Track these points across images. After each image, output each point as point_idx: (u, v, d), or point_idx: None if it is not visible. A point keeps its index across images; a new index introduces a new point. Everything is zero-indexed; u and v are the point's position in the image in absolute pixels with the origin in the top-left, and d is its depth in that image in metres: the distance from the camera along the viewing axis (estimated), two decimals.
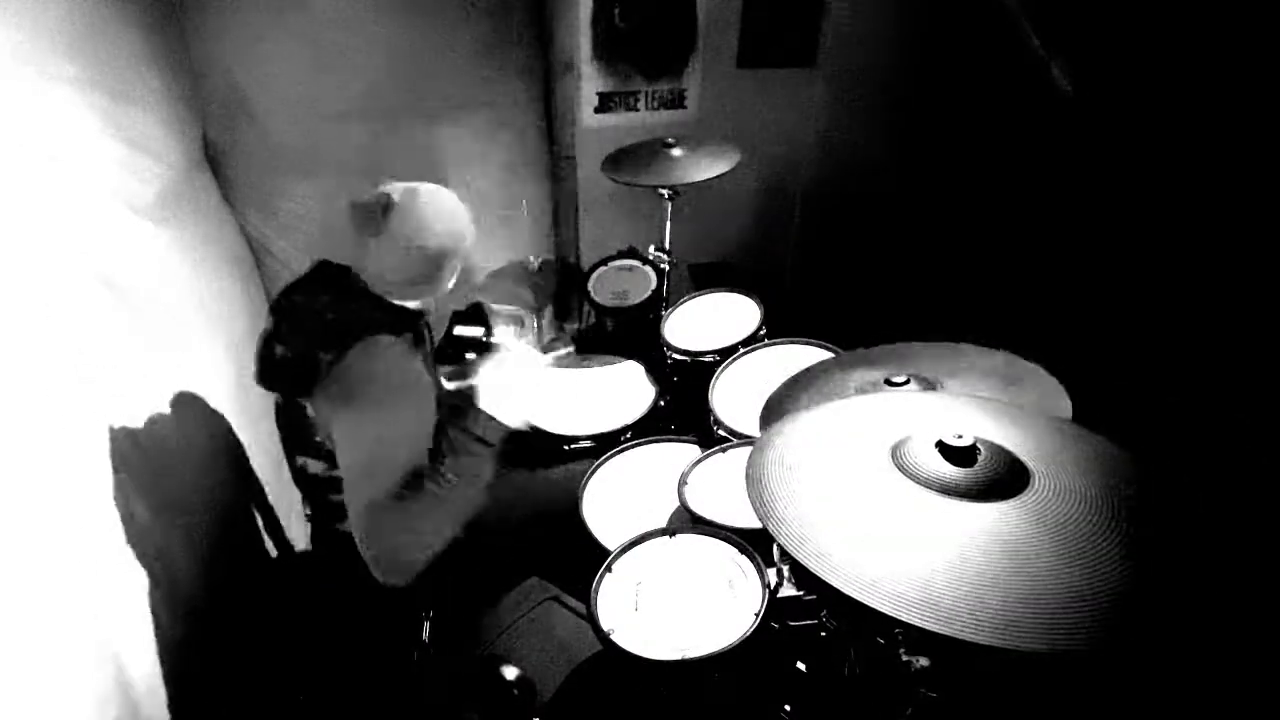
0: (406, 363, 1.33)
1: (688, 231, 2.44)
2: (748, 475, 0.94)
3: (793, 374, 1.45)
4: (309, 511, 1.53)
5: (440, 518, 1.25)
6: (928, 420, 0.98)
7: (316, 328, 1.31)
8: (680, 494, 1.49)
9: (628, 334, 2.36)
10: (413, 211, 1.32)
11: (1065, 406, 1.18)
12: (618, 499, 1.59)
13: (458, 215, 1.40)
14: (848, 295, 3.04)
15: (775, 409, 1.37)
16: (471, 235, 1.42)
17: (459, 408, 1.34)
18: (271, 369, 1.37)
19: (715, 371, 1.87)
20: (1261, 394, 1.64)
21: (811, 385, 1.40)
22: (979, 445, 0.89)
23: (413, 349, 1.37)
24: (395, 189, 1.35)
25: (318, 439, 1.34)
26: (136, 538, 1.31)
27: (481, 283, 2.47)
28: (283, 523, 1.91)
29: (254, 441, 1.87)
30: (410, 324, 1.41)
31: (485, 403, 1.33)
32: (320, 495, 1.44)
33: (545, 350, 2.45)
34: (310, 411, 1.32)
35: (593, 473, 1.65)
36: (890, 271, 2.99)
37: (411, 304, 1.43)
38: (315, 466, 1.39)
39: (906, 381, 1.26)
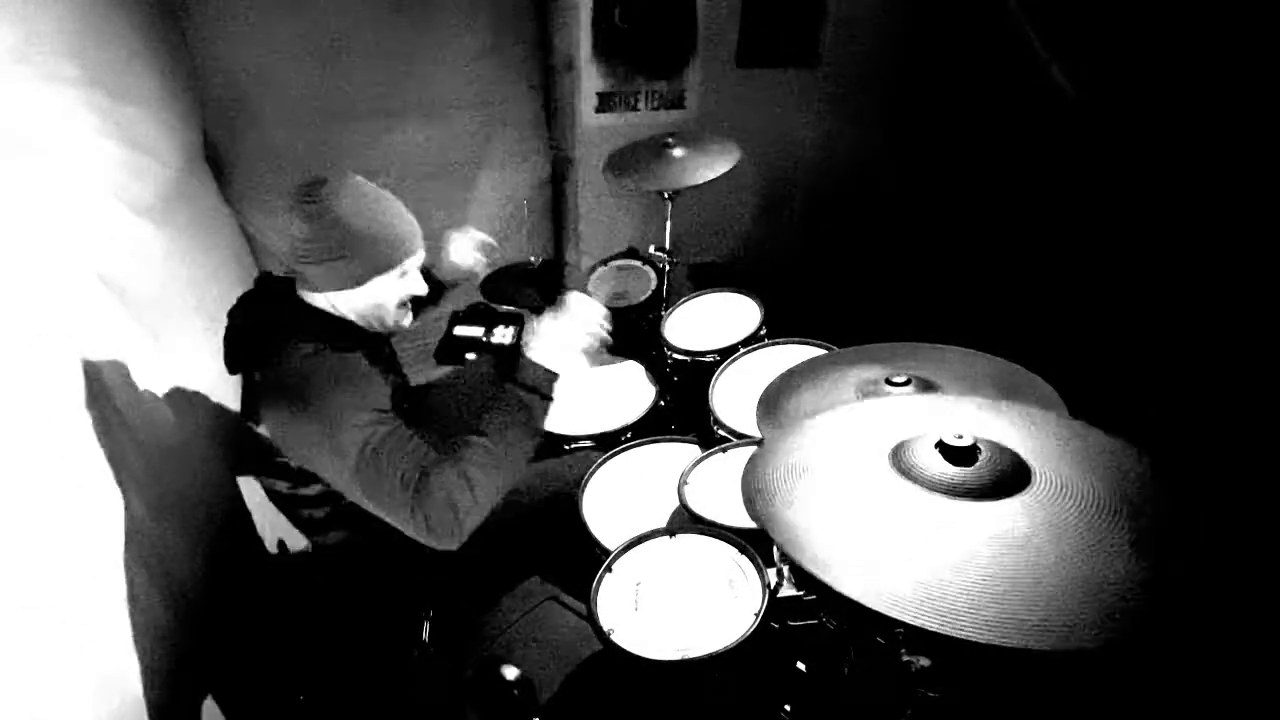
0: (339, 360, 1.27)
1: (688, 231, 2.44)
2: (746, 480, 0.94)
3: (786, 370, 1.46)
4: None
5: (494, 475, 1.22)
6: (928, 421, 0.98)
7: (250, 345, 1.31)
8: (680, 494, 1.49)
9: (628, 334, 2.36)
10: (338, 187, 1.28)
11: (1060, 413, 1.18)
12: (618, 499, 1.59)
13: (385, 200, 1.34)
14: (848, 295, 3.04)
15: (771, 403, 1.37)
16: (399, 229, 1.33)
17: (507, 362, 1.31)
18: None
19: (715, 371, 1.86)
20: (1261, 394, 1.64)
21: (808, 381, 1.41)
22: (979, 445, 0.89)
23: (369, 365, 1.30)
24: (333, 173, 1.31)
25: (278, 459, 1.32)
26: (136, 538, 1.31)
27: (481, 282, 2.47)
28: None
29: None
30: (356, 339, 1.35)
31: (536, 353, 1.30)
32: (292, 512, 1.43)
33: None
34: (263, 433, 1.30)
35: (593, 473, 1.65)
36: (891, 272, 2.99)
37: (346, 308, 1.36)
38: (280, 485, 1.38)
39: (907, 382, 1.26)
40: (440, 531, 1.18)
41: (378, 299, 1.36)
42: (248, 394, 1.29)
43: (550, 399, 1.29)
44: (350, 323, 1.38)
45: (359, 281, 1.32)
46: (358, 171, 1.36)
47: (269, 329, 1.30)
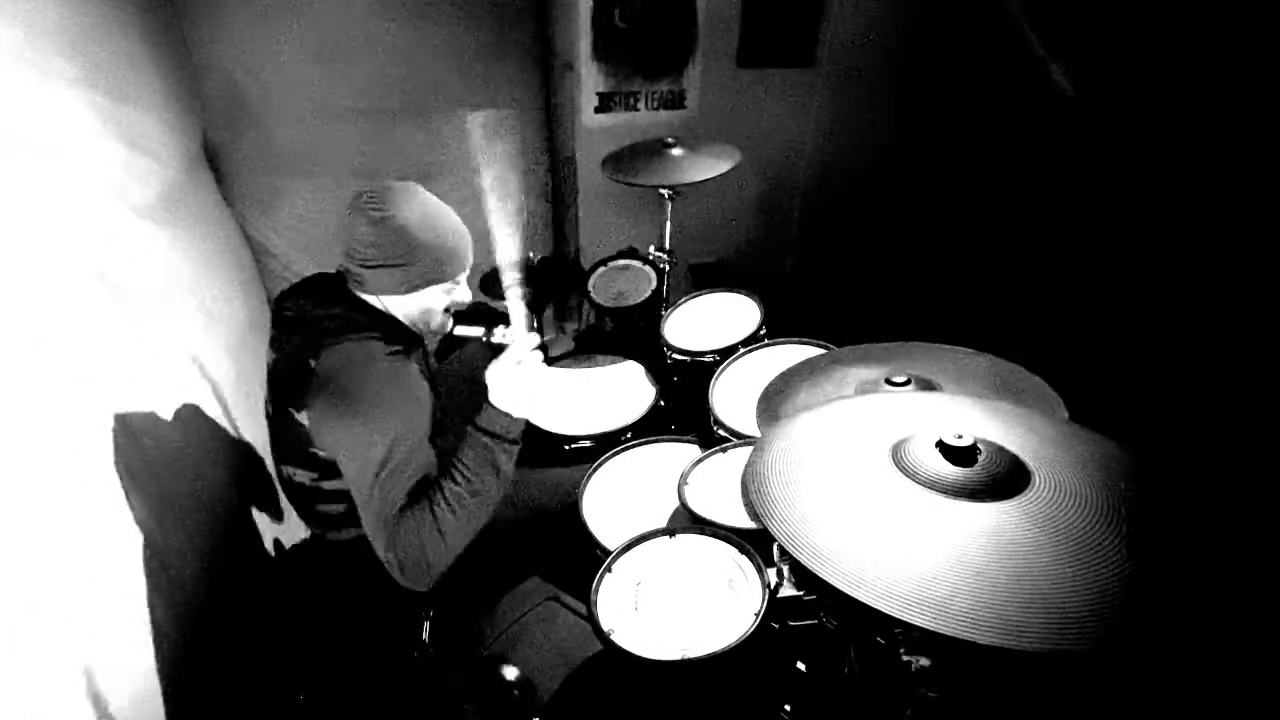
0: (398, 367, 1.31)
1: (688, 231, 2.44)
2: (745, 477, 0.94)
3: (785, 370, 1.45)
4: None
5: (463, 518, 1.25)
6: (928, 420, 0.98)
7: (306, 334, 1.31)
8: (680, 494, 1.49)
9: (628, 334, 2.36)
10: (402, 196, 1.34)
11: (1060, 414, 1.18)
12: (618, 499, 1.59)
13: (445, 213, 1.40)
14: (848, 295, 3.04)
15: (770, 402, 1.37)
16: (456, 243, 1.39)
17: (472, 406, 1.34)
18: (271, 375, 1.39)
19: (715, 371, 1.87)
20: (1260, 394, 1.64)
21: (807, 380, 1.41)
22: (979, 445, 0.89)
23: (406, 360, 1.34)
24: (399, 183, 1.37)
25: (310, 449, 1.33)
26: (136, 537, 1.31)
27: (481, 282, 2.47)
28: (283, 522, 1.91)
29: (254, 441, 1.87)
30: (404, 337, 1.39)
31: (495, 397, 1.31)
32: (308, 505, 1.43)
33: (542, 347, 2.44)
34: (304, 421, 1.31)
35: (593, 473, 1.65)
36: (890, 272, 2.99)
37: (397, 310, 1.40)
38: (302, 476, 1.38)
39: (907, 382, 1.26)
40: (411, 575, 1.23)
41: (428, 305, 1.42)
42: (295, 380, 1.29)
43: (516, 442, 1.31)
44: (400, 322, 1.42)
45: (413, 288, 1.38)
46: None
47: (329, 320, 1.33)
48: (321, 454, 1.32)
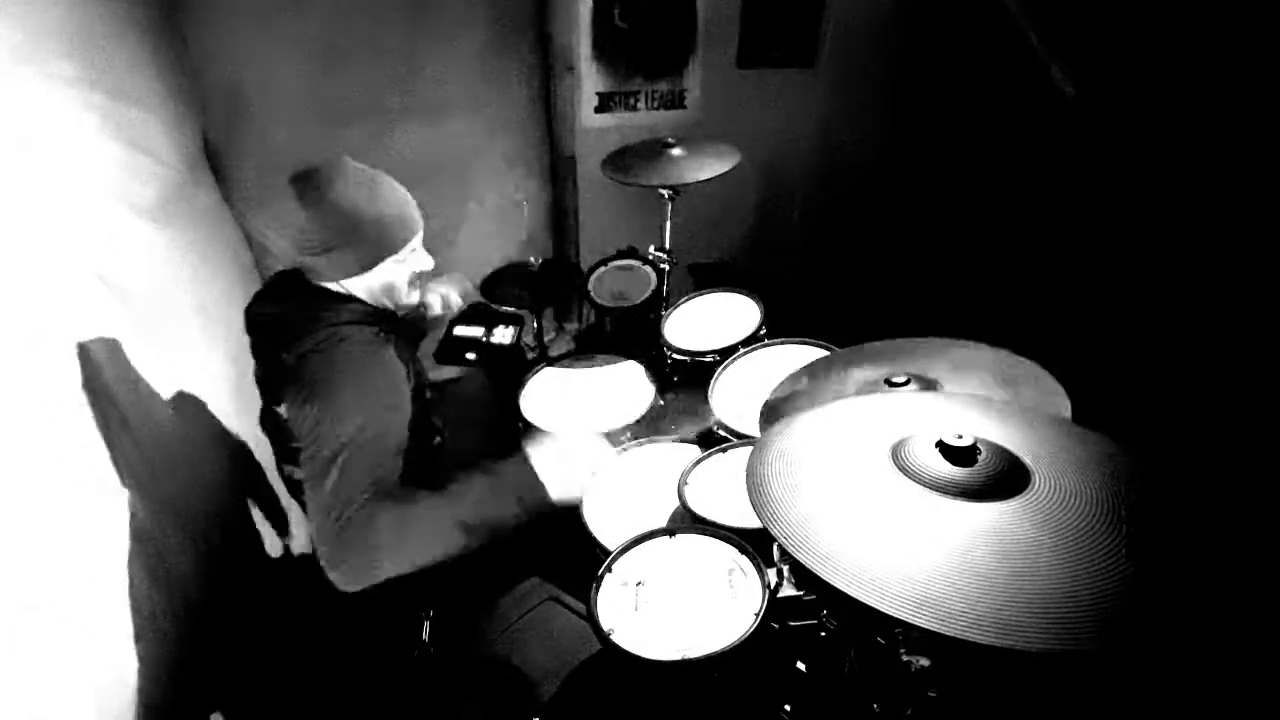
0: (370, 354, 1.28)
1: (688, 231, 2.44)
2: (748, 476, 0.94)
3: (792, 373, 1.45)
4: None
5: (431, 546, 1.21)
6: (928, 420, 0.98)
7: (277, 333, 1.30)
8: (680, 494, 1.49)
9: (628, 334, 2.35)
10: (334, 173, 1.28)
11: (1064, 406, 1.18)
12: (618, 499, 1.59)
13: (381, 180, 1.34)
14: (848, 295, 3.04)
15: (776, 409, 1.37)
16: (400, 209, 1.34)
17: (499, 464, 1.33)
18: (257, 380, 1.38)
19: (715, 371, 1.87)
20: (1261, 393, 1.64)
21: (812, 383, 1.40)
22: (979, 445, 0.89)
23: (381, 342, 1.32)
24: (325, 160, 1.31)
25: (293, 445, 1.32)
26: (136, 537, 1.31)
27: (481, 282, 2.47)
28: (283, 522, 1.91)
29: (254, 442, 1.87)
30: (376, 319, 1.36)
31: (538, 462, 1.32)
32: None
33: (547, 347, 2.44)
34: (284, 416, 1.30)
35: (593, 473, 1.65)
36: (891, 271, 2.99)
37: (360, 291, 1.36)
38: (299, 473, 1.38)
39: (907, 382, 1.26)
40: (347, 575, 1.16)
41: (387, 280, 1.37)
42: (274, 379, 1.29)
43: (524, 521, 1.32)
44: (368, 305, 1.38)
45: (366, 267, 1.33)
46: None
47: (297, 313, 1.30)
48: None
